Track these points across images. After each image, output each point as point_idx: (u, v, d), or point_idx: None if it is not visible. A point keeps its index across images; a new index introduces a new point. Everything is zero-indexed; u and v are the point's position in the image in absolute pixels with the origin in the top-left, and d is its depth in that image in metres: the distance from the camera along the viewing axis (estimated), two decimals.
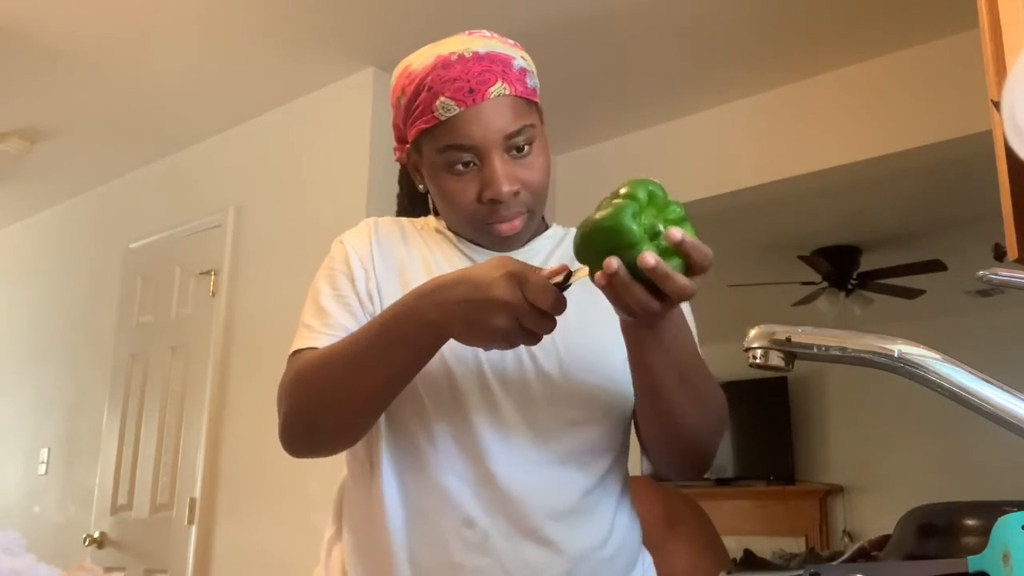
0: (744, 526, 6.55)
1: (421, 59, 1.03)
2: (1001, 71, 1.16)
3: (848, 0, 2.69)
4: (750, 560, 4.52)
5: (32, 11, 2.80)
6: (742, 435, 7.02)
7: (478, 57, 1.00)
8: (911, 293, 5.01)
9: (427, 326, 0.87)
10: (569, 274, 0.82)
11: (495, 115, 0.98)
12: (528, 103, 1.03)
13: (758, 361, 0.67)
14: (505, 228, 1.01)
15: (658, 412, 0.95)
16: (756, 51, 3.00)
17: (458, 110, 0.97)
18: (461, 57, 1.00)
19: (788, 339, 0.66)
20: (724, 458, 7.07)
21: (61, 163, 3.96)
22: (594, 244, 0.78)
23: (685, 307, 1.03)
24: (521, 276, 0.82)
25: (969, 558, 0.59)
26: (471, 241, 1.09)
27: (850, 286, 5.09)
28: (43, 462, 4.06)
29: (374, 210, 2.99)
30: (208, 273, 3.48)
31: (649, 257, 0.74)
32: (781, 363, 0.67)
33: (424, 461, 0.97)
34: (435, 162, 1.01)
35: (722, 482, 6.97)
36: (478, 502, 0.94)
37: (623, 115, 3.44)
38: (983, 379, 0.63)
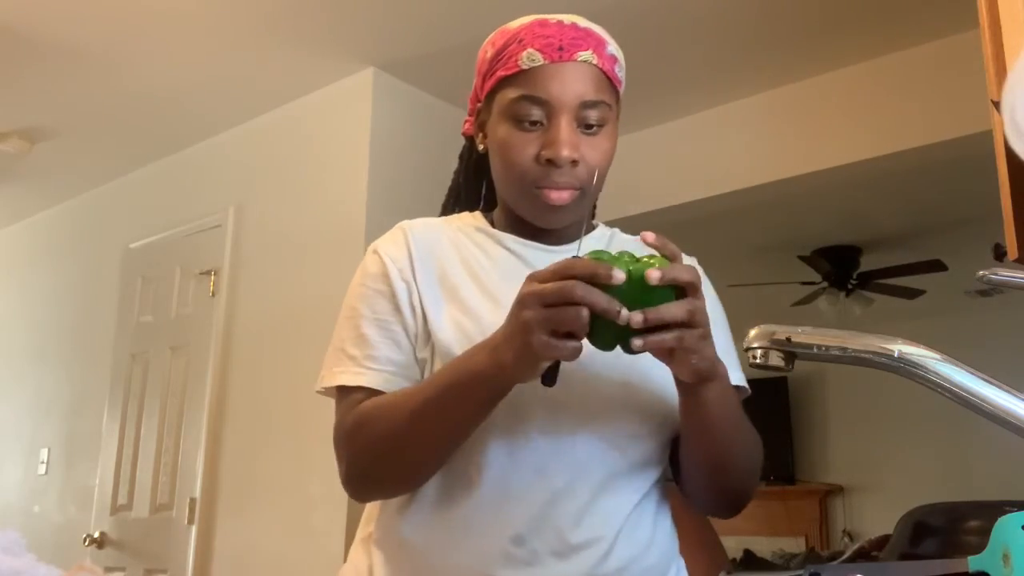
0: (744, 526, 6.54)
1: (520, 21, 1.02)
2: (1001, 71, 1.16)
3: (848, 1, 2.69)
4: (750, 560, 4.52)
5: (32, 11, 2.80)
6: None
7: (576, 27, 1.00)
8: (911, 293, 5.01)
9: (485, 378, 0.85)
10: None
11: (577, 78, 0.97)
12: (611, 85, 1.01)
13: (758, 361, 0.67)
14: (554, 196, 0.97)
15: (707, 456, 0.96)
16: (756, 51, 3.00)
17: (543, 62, 0.97)
18: (560, 23, 1.00)
19: (788, 339, 0.66)
20: None
21: (61, 163, 3.96)
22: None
23: (727, 343, 1.06)
24: (535, 273, 0.81)
25: (969, 558, 0.59)
26: (515, 235, 1.05)
27: (850, 286, 5.09)
28: (43, 462, 4.06)
29: (374, 210, 2.99)
30: (208, 273, 3.48)
31: (653, 271, 0.75)
32: (781, 363, 0.67)
33: (477, 477, 0.93)
34: (505, 112, 0.99)
35: None
36: (529, 519, 0.91)
37: (623, 115, 3.43)
38: (983, 379, 0.63)
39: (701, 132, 3.40)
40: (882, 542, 0.74)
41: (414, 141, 3.17)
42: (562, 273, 0.78)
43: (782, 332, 0.67)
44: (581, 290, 0.76)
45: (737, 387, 1.02)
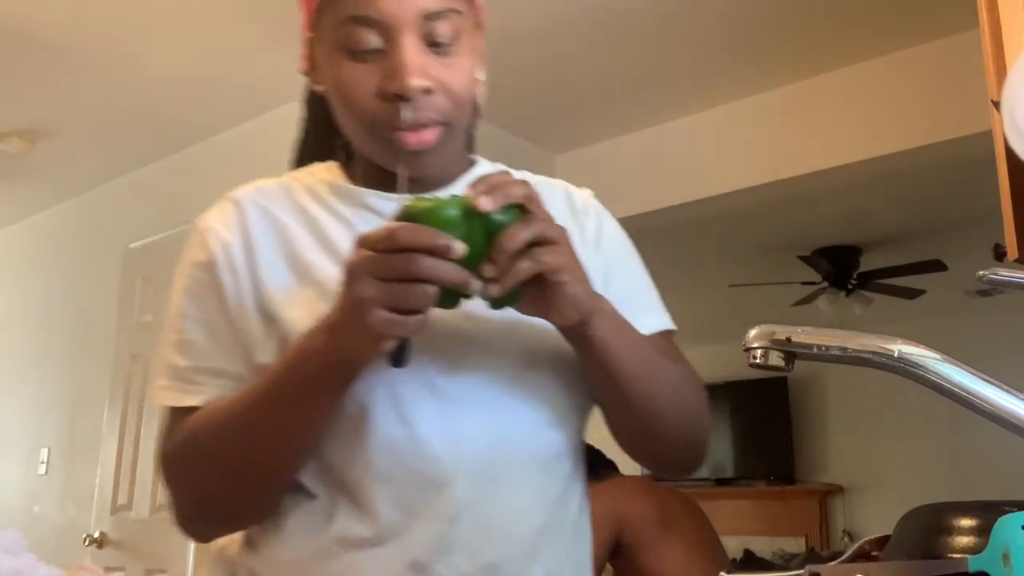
0: (744, 526, 6.55)
1: None
2: (1001, 71, 1.16)
3: (848, 1, 2.69)
4: (750, 560, 4.53)
5: (32, 11, 2.80)
6: (742, 435, 7.02)
7: None
8: (911, 293, 5.01)
9: (324, 363, 0.71)
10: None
11: None
12: None
13: (758, 361, 0.67)
14: (412, 139, 0.79)
15: (634, 410, 0.82)
16: (756, 51, 3.00)
17: None
18: None
19: (788, 339, 0.66)
20: (724, 458, 7.08)
21: (61, 163, 3.96)
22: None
23: (642, 280, 0.94)
24: (363, 236, 0.69)
25: (969, 558, 0.59)
26: (378, 187, 0.86)
27: (850, 286, 5.09)
28: (43, 462, 4.06)
29: None
30: None
31: (482, 197, 0.68)
32: (781, 363, 0.67)
33: (361, 492, 0.76)
34: (333, 43, 0.80)
35: (722, 482, 6.97)
36: (427, 540, 0.75)
37: (623, 115, 3.44)
38: (983, 379, 0.63)
39: (701, 132, 3.40)
40: (882, 542, 0.74)
41: None
42: (394, 242, 0.66)
43: (782, 332, 0.66)
44: (426, 264, 0.66)
45: (664, 332, 0.91)
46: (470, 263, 0.68)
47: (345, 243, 0.81)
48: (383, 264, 0.66)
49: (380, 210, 0.85)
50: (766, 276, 5.07)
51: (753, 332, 0.68)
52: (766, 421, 6.89)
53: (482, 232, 0.69)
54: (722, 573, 0.82)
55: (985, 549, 0.58)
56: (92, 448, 3.77)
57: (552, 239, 0.70)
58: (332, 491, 0.78)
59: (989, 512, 0.62)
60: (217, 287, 0.83)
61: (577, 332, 0.75)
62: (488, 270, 0.68)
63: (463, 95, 0.81)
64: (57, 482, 3.98)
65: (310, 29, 0.85)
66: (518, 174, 0.92)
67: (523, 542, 0.78)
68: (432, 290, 0.66)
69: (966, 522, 0.67)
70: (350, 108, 0.81)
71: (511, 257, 0.68)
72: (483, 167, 0.94)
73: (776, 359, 0.67)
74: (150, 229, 3.82)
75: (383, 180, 0.85)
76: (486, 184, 0.70)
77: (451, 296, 0.69)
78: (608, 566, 2.67)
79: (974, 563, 0.58)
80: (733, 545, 5.36)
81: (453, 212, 0.68)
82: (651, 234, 4.15)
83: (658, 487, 2.84)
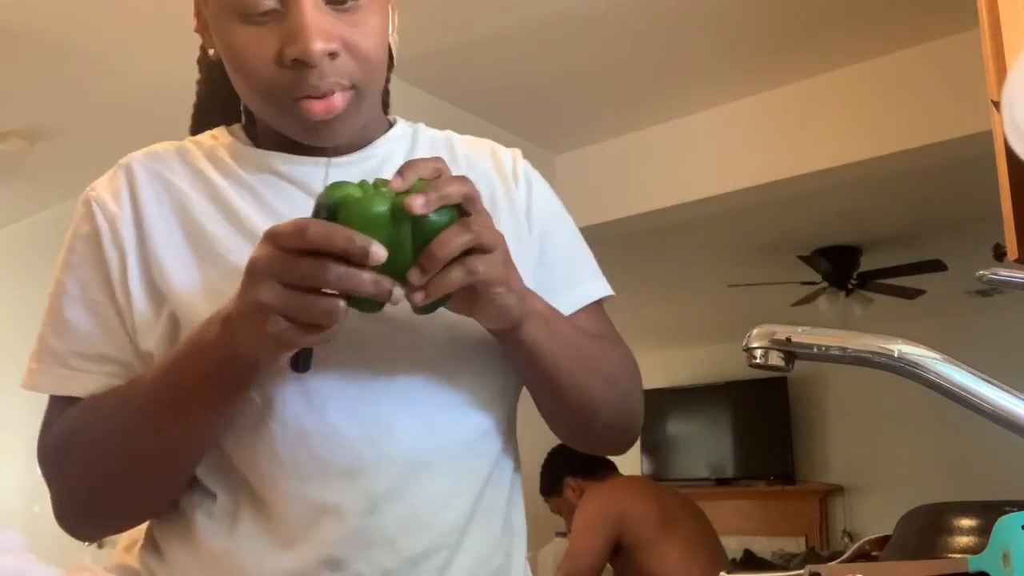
0: (744, 526, 6.56)
1: None
2: (1001, 71, 1.16)
3: (848, 0, 2.69)
4: (750, 560, 4.53)
5: (32, 11, 2.80)
6: (742, 435, 7.03)
7: None
8: (911, 293, 5.01)
9: (217, 359, 0.64)
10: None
11: None
12: None
13: (758, 361, 0.67)
14: (318, 107, 0.71)
15: (566, 403, 0.78)
16: (756, 51, 3.00)
17: None
18: None
19: (788, 339, 0.66)
20: (724, 458, 7.08)
21: (61, 163, 3.96)
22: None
23: (576, 244, 0.89)
24: (272, 230, 0.61)
25: (969, 558, 0.59)
26: (284, 150, 0.78)
27: (850, 286, 5.09)
28: None
29: None
30: None
31: (415, 198, 0.60)
32: (781, 363, 0.67)
33: (268, 490, 0.71)
34: (223, 5, 0.71)
35: (722, 482, 6.97)
36: (342, 535, 0.69)
37: (623, 115, 3.44)
38: (983, 379, 0.63)
39: (701, 132, 3.40)
40: (882, 542, 0.74)
41: None
42: (304, 242, 0.58)
43: (782, 332, 0.66)
44: (336, 274, 0.58)
45: (598, 303, 0.87)
46: (393, 267, 0.60)
47: (251, 214, 0.75)
48: (288, 267, 0.58)
49: (288, 175, 0.78)
50: (766, 276, 5.07)
51: (753, 332, 0.68)
52: (766, 421, 6.89)
53: (410, 233, 0.61)
54: (722, 573, 0.82)
55: (985, 549, 0.58)
56: None
57: (488, 247, 0.63)
58: (234, 490, 0.72)
59: (989, 512, 0.62)
60: (101, 263, 0.75)
61: (506, 335, 0.71)
62: (415, 276, 0.61)
63: (373, 55, 0.73)
64: None
65: None
66: (439, 134, 0.89)
67: (450, 529, 0.73)
68: (341, 305, 0.59)
69: (966, 522, 0.67)
70: (245, 77, 0.72)
71: (443, 265, 0.62)
72: (401, 127, 0.87)
73: (776, 359, 0.67)
74: None
75: (290, 143, 0.77)
76: (414, 170, 0.63)
77: (369, 302, 0.62)
78: (608, 565, 2.67)
79: (974, 563, 0.58)
80: (733, 545, 5.37)
81: (380, 209, 0.60)
82: (651, 234, 4.17)
83: (657, 487, 2.85)
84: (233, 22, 0.71)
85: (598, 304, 0.88)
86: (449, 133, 0.90)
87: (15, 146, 3.65)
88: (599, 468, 2.80)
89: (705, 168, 3.35)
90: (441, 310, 0.67)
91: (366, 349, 0.72)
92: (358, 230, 0.59)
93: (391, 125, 0.87)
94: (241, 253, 0.69)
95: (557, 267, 0.84)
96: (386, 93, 0.88)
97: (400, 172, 0.63)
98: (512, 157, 0.89)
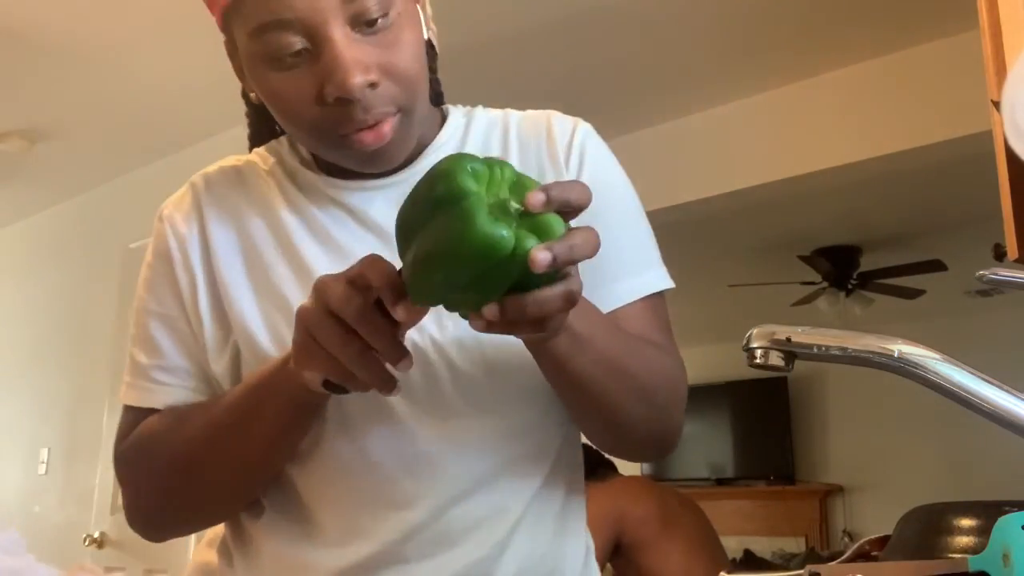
0: (744, 526, 6.55)
1: None
2: (1001, 71, 1.16)
3: (848, 1, 2.69)
4: (750, 560, 4.53)
5: (32, 11, 2.80)
6: (742, 435, 7.03)
7: None
8: (911, 293, 5.01)
9: (278, 386, 0.67)
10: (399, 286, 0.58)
11: None
12: None
13: (758, 361, 0.67)
14: (368, 137, 0.69)
15: (596, 416, 0.75)
16: (756, 51, 3.00)
17: None
18: None
19: (788, 339, 0.66)
20: (724, 458, 7.08)
21: (61, 163, 3.96)
22: (444, 273, 0.54)
23: (642, 236, 0.82)
24: (322, 284, 0.60)
25: (969, 558, 0.59)
26: (333, 174, 0.78)
27: (850, 286, 5.09)
28: (43, 462, 4.06)
29: None
30: None
31: (541, 254, 0.52)
32: (781, 363, 0.66)
33: (315, 511, 0.74)
34: (253, 56, 0.70)
35: (722, 482, 6.97)
36: (376, 554, 0.72)
37: (623, 114, 3.43)
38: (983, 379, 0.62)
39: (701, 132, 3.40)
40: (882, 542, 0.74)
41: None
42: (341, 313, 0.58)
43: (782, 332, 0.66)
44: (349, 357, 0.59)
45: (650, 297, 0.80)
46: (468, 290, 0.55)
47: (301, 241, 0.76)
48: (321, 330, 0.59)
49: (340, 201, 0.78)
50: (766, 276, 5.07)
51: (753, 332, 0.68)
52: (766, 421, 6.89)
53: (508, 269, 0.54)
54: (722, 573, 0.82)
55: (985, 549, 0.58)
56: (92, 448, 3.77)
57: (570, 307, 0.58)
58: (292, 510, 0.76)
59: (989, 512, 0.62)
60: (173, 283, 0.78)
61: (537, 345, 0.68)
62: (491, 312, 0.55)
63: (414, 73, 0.71)
64: (57, 482, 3.98)
65: (224, 33, 0.76)
66: (496, 115, 0.85)
67: (490, 547, 0.73)
68: (373, 366, 0.59)
69: (966, 522, 0.67)
70: (290, 121, 0.71)
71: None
72: (453, 123, 0.83)
73: (776, 359, 0.67)
74: (150, 229, 3.81)
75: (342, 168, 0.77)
76: (561, 193, 0.55)
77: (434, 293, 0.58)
78: (608, 566, 2.67)
79: (974, 563, 0.58)
80: (733, 545, 5.36)
81: (498, 233, 0.53)
82: None
83: (658, 487, 2.85)
84: (267, 70, 0.70)
85: (653, 298, 0.80)
86: (507, 112, 0.86)
87: (15, 146, 3.64)
88: (600, 468, 2.79)
89: (705, 168, 3.35)
90: (476, 336, 0.67)
91: (404, 379, 0.71)
92: (459, 242, 0.53)
93: (444, 117, 0.84)
94: (293, 289, 0.73)
95: (605, 252, 0.77)
96: (436, 82, 0.84)
97: (546, 191, 0.54)
98: (571, 129, 0.83)
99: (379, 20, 0.68)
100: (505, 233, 0.52)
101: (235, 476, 0.74)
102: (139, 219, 3.91)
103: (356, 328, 0.58)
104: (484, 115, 0.85)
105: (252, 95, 0.77)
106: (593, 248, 0.56)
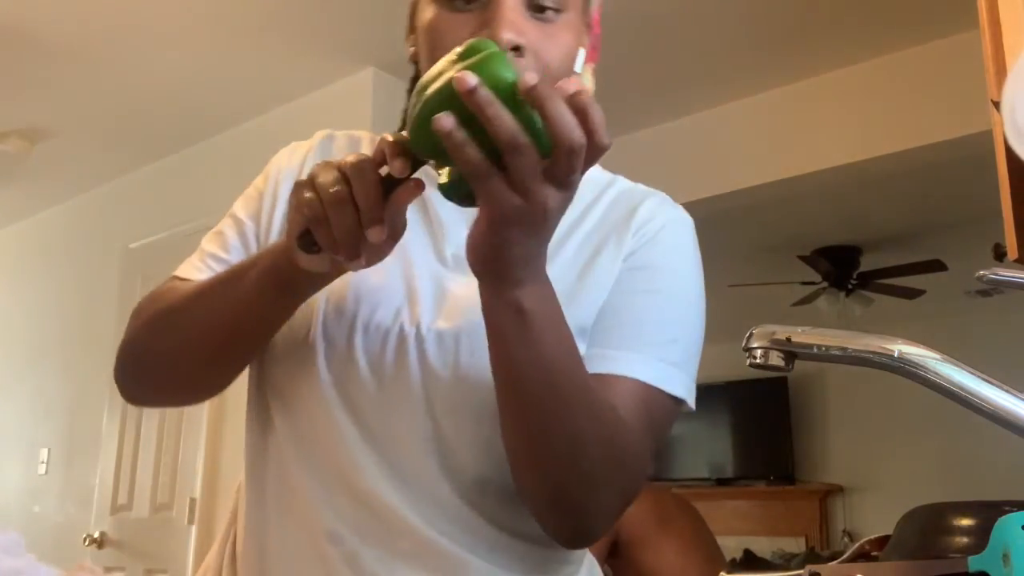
0: (744, 526, 6.55)
1: None
2: (1001, 71, 1.16)
3: (848, 1, 2.69)
4: (750, 560, 4.52)
5: (32, 11, 2.80)
6: (742, 435, 7.02)
7: None
8: (911, 293, 5.01)
9: (270, 249, 0.72)
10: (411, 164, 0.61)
11: None
12: None
13: (758, 361, 0.67)
14: None
15: (516, 419, 0.68)
16: (756, 51, 3.00)
17: None
18: None
19: (788, 339, 0.66)
20: (724, 458, 7.08)
21: (61, 163, 3.96)
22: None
23: (690, 331, 0.84)
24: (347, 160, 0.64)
25: (969, 558, 0.59)
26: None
27: (850, 286, 5.09)
28: (43, 462, 4.06)
29: None
30: None
31: (530, 76, 0.55)
32: (781, 363, 0.66)
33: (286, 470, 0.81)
34: None
35: (722, 482, 6.97)
36: (339, 513, 0.76)
37: (623, 115, 3.43)
38: (983, 379, 0.62)
39: (701, 132, 3.40)
40: (882, 542, 0.74)
41: None
42: (345, 172, 0.62)
43: (782, 332, 0.66)
44: (358, 176, 0.61)
45: (674, 398, 0.77)
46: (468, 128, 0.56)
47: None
48: (323, 176, 0.62)
49: (433, 215, 0.82)
50: (766, 276, 5.07)
51: (753, 332, 0.68)
52: (766, 421, 6.89)
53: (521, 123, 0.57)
54: (722, 573, 0.82)
55: (985, 549, 0.58)
56: (92, 448, 3.77)
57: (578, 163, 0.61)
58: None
59: (989, 512, 0.62)
60: (259, 200, 0.87)
61: (493, 287, 0.63)
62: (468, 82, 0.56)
63: (556, 67, 0.74)
64: (57, 482, 3.98)
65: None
66: (603, 178, 0.91)
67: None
68: (349, 224, 0.61)
69: (966, 522, 0.67)
70: (434, 56, 0.68)
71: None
72: (599, 170, 0.92)
73: (776, 359, 0.67)
74: (150, 229, 3.82)
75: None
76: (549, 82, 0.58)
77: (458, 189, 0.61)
78: (606, 566, 2.67)
79: (974, 563, 0.58)
80: (733, 545, 5.36)
81: (510, 76, 0.56)
82: None
83: (654, 487, 2.85)
84: (438, 7, 0.75)
85: (656, 393, 0.75)
86: (615, 178, 0.92)
87: (15, 146, 3.64)
88: None
89: (704, 168, 3.35)
90: (467, 376, 0.73)
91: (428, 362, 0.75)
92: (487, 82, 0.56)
93: None
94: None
95: (635, 318, 0.77)
96: None
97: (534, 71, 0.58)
98: (653, 214, 0.86)
99: (548, 11, 0.75)
100: (510, 76, 0.56)
101: (203, 336, 0.77)
102: (139, 219, 3.93)
103: (348, 174, 0.61)
104: (623, 181, 0.92)
105: (411, 49, 0.82)
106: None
